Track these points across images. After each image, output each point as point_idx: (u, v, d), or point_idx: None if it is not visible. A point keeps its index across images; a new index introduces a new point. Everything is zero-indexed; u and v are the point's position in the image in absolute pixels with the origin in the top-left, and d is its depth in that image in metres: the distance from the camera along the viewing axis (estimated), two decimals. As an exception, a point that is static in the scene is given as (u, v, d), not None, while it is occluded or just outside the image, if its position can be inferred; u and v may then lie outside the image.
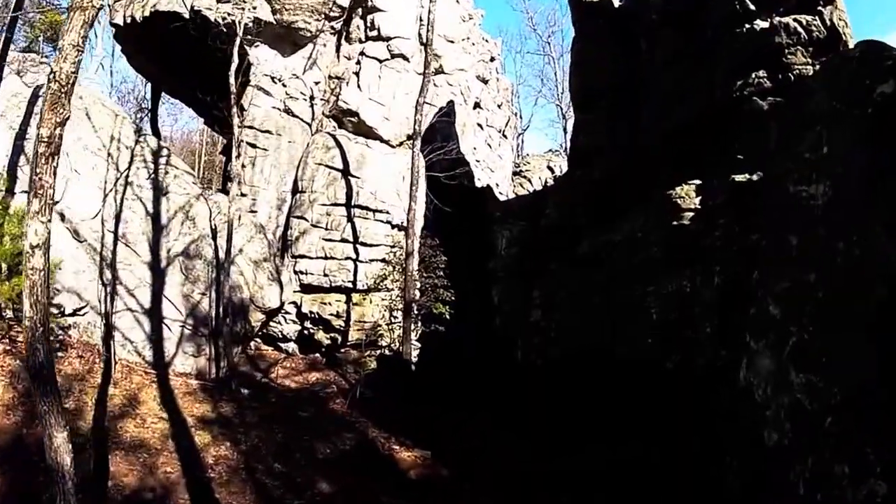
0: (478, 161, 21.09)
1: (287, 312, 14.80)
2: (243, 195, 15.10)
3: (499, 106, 24.68)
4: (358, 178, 14.39)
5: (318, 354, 15.21)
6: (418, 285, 14.43)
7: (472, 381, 13.59)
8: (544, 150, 27.35)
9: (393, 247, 14.37)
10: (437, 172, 17.52)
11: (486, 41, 22.56)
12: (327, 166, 14.51)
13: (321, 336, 14.58)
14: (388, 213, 14.57)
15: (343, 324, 14.12)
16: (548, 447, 10.59)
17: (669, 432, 8.83)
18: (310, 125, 16.45)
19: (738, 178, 10.24)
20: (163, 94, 24.82)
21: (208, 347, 11.82)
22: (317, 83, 17.15)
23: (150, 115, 24.90)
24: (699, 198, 10.58)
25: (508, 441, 11.23)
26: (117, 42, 19.46)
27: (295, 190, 15.06)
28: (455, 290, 14.80)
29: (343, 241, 14.04)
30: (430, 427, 11.39)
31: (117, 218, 11.94)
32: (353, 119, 16.78)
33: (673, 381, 10.42)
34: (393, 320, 14.55)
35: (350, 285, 13.96)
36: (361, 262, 14.07)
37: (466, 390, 13.13)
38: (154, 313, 11.63)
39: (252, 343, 15.04)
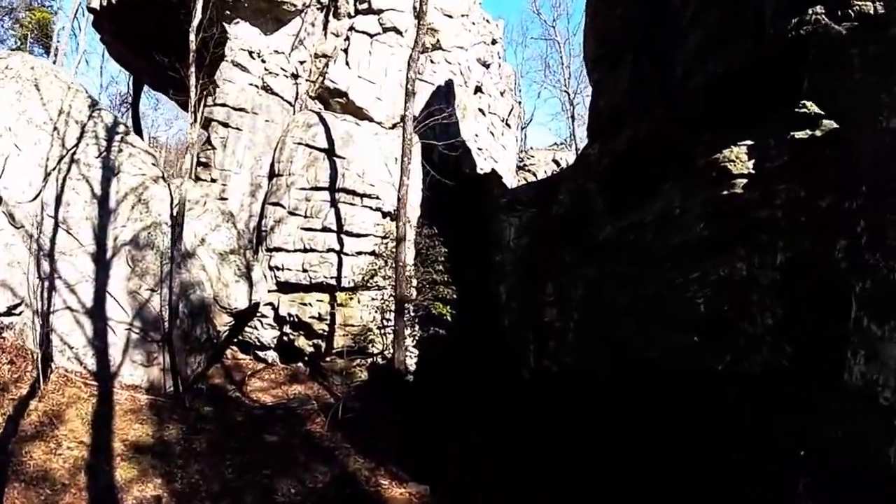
0: (480, 149, 19.57)
1: (263, 316, 13.13)
2: (213, 181, 13.51)
3: (501, 93, 23.27)
4: (343, 158, 12.79)
5: (300, 364, 13.54)
6: (414, 282, 12.73)
7: (473, 382, 11.79)
8: (548, 144, 25.84)
9: (384, 238, 12.72)
10: (436, 158, 15.95)
11: (488, 22, 21.20)
12: (308, 146, 12.93)
13: (302, 343, 12.88)
14: (377, 198, 12.95)
15: (326, 328, 12.44)
16: (549, 443, 10.06)
17: (674, 429, 8.48)
18: (291, 105, 14.89)
19: (800, 134, 8.58)
20: (147, 89, 23.57)
21: (161, 355, 10.11)
22: (302, 62, 15.65)
23: (131, 108, 23.69)
24: (752, 161, 8.91)
25: (508, 437, 10.43)
26: (96, 30, 18.71)
27: (272, 174, 13.47)
28: (457, 287, 13.09)
29: (325, 230, 12.40)
30: (429, 448, 9.57)
31: (58, 200, 10.33)
32: (341, 100, 15.28)
33: (717, 385, 8.82)
34: (385, 323, 12.85)
35: (333, 282, 12.29)
36: (347, 254, 12.42)
37: (467, 391, 11.35)
38: (97, 313, 9.97)
39: (228, 352, 13.35)
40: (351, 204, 12.75)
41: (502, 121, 22.56)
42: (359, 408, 11.86)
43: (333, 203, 12.58)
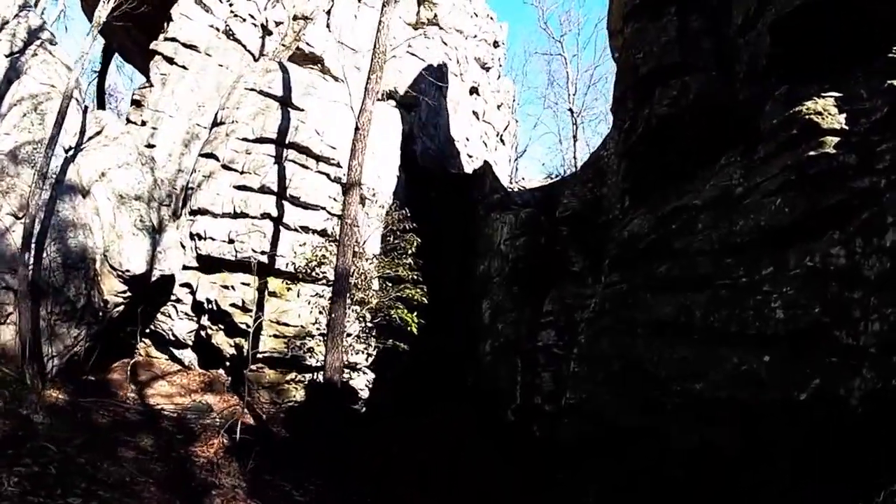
0: (470, 156, 17.66)
1: (178, 301, 10.52)
2: (143, 123, 11.14)
3: (498, 107, 21.76)
4: (301, 109, 10.63)
5: (221, 371, 10.83)
6: (376, 284, 10.26)
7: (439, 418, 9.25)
8: (542, 177, 24.34)
9: (341, 217, 10.29)
10: (419, 150, 13.92)
11: (491, 19, 19.86)
12: (261, 92, 10.78)
13: (221, 340, 10.23)
14: (337, 164, 10.72)
15: (251, 323, 9.79)
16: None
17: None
18: (255, 58, 12.81)
19: (901, 79, 6.76)
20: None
21: (18, 312, 7.41)
22: (278, 24, 13.73)
23: (97, 77, 21.95)
24: (843, 115, 7.03)
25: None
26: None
27: (214, 125, 11.12)
28: (430, 303, 10.67)
29: (263, 190, 10.04)
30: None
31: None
32: (314, 67, 13.29)
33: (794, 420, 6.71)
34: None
35: (265, 260, 9.78)
36: (288, 227, 10.02)
37: (431, 428, 8.80)
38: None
39: (141, 346, 10.80)
40: (302, 165, 10.46)
41: (497, 134, 20.91)
42: (282, 437, 9.13)
43: (279, 160, 10.23)
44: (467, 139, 18.59)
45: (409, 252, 10.17)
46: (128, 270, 9.29)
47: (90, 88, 23.16)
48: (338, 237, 10.14)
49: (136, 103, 12.93)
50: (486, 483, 9.15)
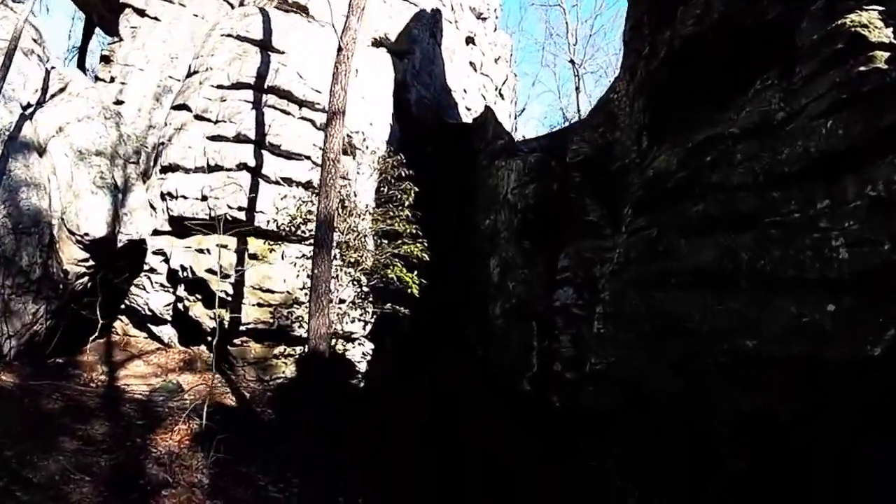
0: (468, 109, 16.52)
1: (152, 270, 9.54)
2: (111, 80, 10.02)
3: (496, 60, 20.49)
4: (281, 52, 9.55)
5: (203, 347, 9.95)
6: (370, 234, 9.23)
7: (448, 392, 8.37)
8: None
9: (330, 168, 9.21)
10: (413, 99, 12.77)
11: (487, -37, 18.48)
12: (238, 37, 9.61)
13: (200, 312, 9.27)
14: (322, 110, 9.61)
15: (231, 291, 8.78)
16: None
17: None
18: (232, 5, 11.55)
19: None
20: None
21: None
22: None
23: (78, 54, 20.91)
24: (890, 29, 6.13)
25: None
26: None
27: (188, 76, 9.97)
28: (437, 265, 9.68)
29: (239, 139, 8.95)
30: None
31: None
32: (300, 14, 12.01)
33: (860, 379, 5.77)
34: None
35: (242, 217, 8.73)
36: (268, 180, 9.01)
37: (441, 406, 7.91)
38: None
39: (118, 324, 10.24)
40: (283, 111, 9.36)
41: (496, 88, 19.70)
42: (267, 419, 8.21)
43: (257, 106, 9.09)
44: (465, 91, 17.45)
45: (407, 203, 9.11)
46: (87, 234, 8.25)
47: (71, 64, 22.23)
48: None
49: (106, 59, 12.13)
50: (495, 444, 8.27)
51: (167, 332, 10.38)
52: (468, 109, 16.85)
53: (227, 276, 8.78)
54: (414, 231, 9.04)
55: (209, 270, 9.04)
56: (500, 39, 21.93)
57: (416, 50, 13.87)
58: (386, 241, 9.31)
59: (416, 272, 8.98)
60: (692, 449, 7.55)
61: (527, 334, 9.78)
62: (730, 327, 6.84)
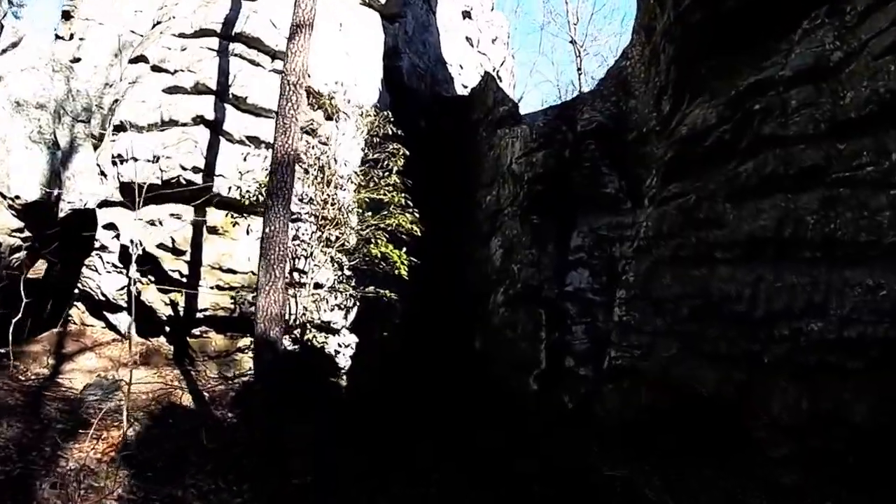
0: (465, 86, 15.38)
1: (103, 248, 8.31)
2: (71, 37, 8.79)
3: (493, 41, 19.39)
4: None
5: (163, 339, 8.65)
6: (354, 209, 8.02)
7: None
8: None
9: (307, 129, 8.00)
10: (405, 68, 11.60)
11: (484, -67, 17.39)
12: (204, -17, 8.27)
13: (153, 297, 8.08)
14: (300, 61, 8.28)
15: (186, 270, 7.52)
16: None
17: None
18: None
19: None
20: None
21: None
22: None
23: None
24: None
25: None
26: None
27: (151, 29, 8.74)
28: (431, 251, 8.50)
29: (198, 89, 7.72)
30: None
31: None
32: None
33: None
34: (300, 277, 8.06)
35: (198, 180, 7.46)
36: (230, 138, 7.79)
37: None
38: None
39: (75, 313, 9.07)
40: (252, 62, 8.17)
41: (494, 69, 18.55)
42: (227, 425, 6.96)
43: (222, 53, 7.83)
44: (461, 67, 16.36)
45: (395, 169, 7.87)
46: (18, 196, 7.02)
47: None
48: (311, 163, 7.85)
49: (66, 15, 11.21)
50: (495, 452, 7.02)
51: (124, 322, 9.10)
52: (465, 87, 15.68)
53: (180, 253, 7.50)
54: (402, 200, 7.81)
55: (161, 246, 7.76)
56: (496, 19, 20.87)
57: (409, 14, 12.73)
58: (370, 214, 8.08)
59: (404, 250, 7.74)
60: (737, 457, 6.41)
61: (534, 324, 8.59)
62: (789, 308, 5.75)
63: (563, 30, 25.13)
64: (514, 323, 8.89)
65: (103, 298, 8.88)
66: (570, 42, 22.82)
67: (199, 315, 7.99)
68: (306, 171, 8.11)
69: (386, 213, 7.84)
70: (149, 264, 7.94)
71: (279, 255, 5.90)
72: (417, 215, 7.88)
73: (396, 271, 7.81)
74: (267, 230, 5.79)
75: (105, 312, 9.09)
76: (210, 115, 7.73)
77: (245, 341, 8.46)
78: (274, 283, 5.72)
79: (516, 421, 8.57)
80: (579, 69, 21.87)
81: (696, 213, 6.70)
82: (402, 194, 7.92)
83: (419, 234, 7.86)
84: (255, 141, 7.94)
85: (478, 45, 18.08)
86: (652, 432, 7.09)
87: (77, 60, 9.94)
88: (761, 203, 6.11)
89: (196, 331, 8.39)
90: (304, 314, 7.93)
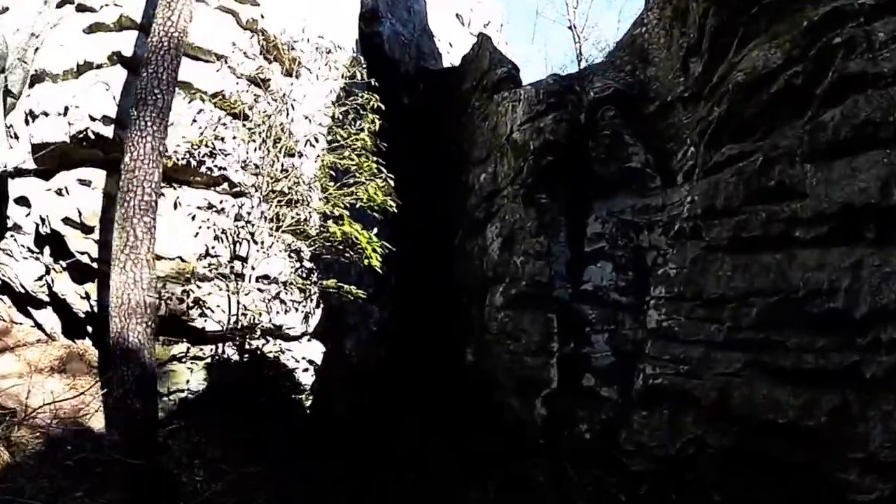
0: (453, 66, 13.83)
1: (17, 228, 6.71)
2: None
3: (485, 25, 18.04)
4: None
5: (89, 341, 7.34)
6: (317, 183, 6.38)
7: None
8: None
9: (250, 79, 6.37)
10: (386, 34, 10.09)
11: None
12: None
13: (66, 287, 6.59)
14: (252, 2, 6.71)
15: (96, 255, 5.86)
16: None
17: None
18: None
19: None
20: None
21: None
22: None
23: None
24: None
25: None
26: None
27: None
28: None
29: (121, 24, 6.13)
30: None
31: None
32: None
33: None
34: (243, 267, 6.38)
35: (108, 134, 5.78)
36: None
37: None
38: None
39: (2, 308, 7.56)
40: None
41: (486, 53, 17.11)
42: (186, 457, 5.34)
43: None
44: (450, 45, 14.88)
45: (366, 127, 6.24)
46: None
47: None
48: (262, 119, 6.22)
49: None
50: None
51: (49, 320, 7.40)
52: (453, 66, 14.17)
53: (89, 230, 5.82)
54: (375, 166, 6.18)
55: (67, 220, 6.08)
56: (486, 5, 19.53)
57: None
58: (333, 185, 6.43)
59: (375, 231, 6.11)
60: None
61: (543, 333, 7.01)
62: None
63: (560, 13, 23.53)
64: (516, 331, 7.26)
65: (22, 290, 7.22)
66: (569, 28, 21.48)
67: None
68: (251, 133, 6.46)
69: (354, 180, 6.20)
70: (58, 246, 6.26)
71: (144, 203, 4.23)
72: (393, 184, 6.26)
73: (366, 260, 6.18)
74: (128, 159, 4.11)
75: (28, 307, 7.41)
76: (129, 52, 6.07)
77: (180, 348, 6.83)
78: (134, 249, 4.05)
79: (516, 456, 6.93)
80: (579, 56, 20.44)
81: (764, 179, 5.18)
82: (375, 159, 6.31)
83: (395, 209, 6.24)
84: (187, 88, 6.30)
85: (469, 25, 16.70)
86: (701, 476, 5.49)
87: (5, 10, 8.35)
88: (856, 161, 4.60)
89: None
90: (245, 314, 6.24)
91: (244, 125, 6.60)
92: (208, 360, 6.98)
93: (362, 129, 6.38)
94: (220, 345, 6.95)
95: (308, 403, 7.92)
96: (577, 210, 7.25)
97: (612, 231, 7.02)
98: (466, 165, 9.13)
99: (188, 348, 6.89)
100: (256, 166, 6.68)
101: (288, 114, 6.94)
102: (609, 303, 6.74)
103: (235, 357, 6.88)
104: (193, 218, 6.25)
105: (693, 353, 5.49)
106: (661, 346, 5.85)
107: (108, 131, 5.93)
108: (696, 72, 6.95)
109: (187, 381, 6.84)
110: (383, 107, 6.58)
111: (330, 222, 6.01)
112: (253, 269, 6.42)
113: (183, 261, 6.21)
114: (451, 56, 14.73)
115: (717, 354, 5.31)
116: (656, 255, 6.73)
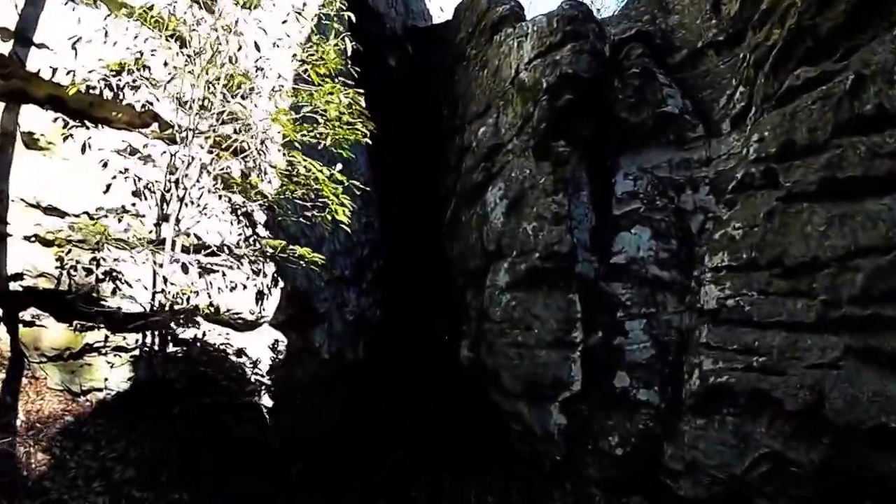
0: (448, 33, 12.65)
1: None
2: None
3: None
4: None
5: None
6: (278, 131, 5.05)
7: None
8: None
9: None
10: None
11: None
12: None
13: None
14: None
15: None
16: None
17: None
18: None
19: None
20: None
21: None
22: None
23: None
24: None
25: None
26: None
27: None
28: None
29: None
30: None
31: None
32: None
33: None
34: (175, 231, 5.00)
35: (4, 50, 4.40)
36: None
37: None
38: None
39: None
40: None
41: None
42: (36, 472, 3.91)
43: None
44: (441, 9, 13.61)
45: (339, 46, 4.90)
46: None
47: None
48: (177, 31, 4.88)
49: None
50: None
51: None
52: (448, 33, 12.97)
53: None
54: (348, 107, 4.82)
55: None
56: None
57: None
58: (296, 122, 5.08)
59: (339, 167, 4.78)
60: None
61: (562, 318, 5.67)
62: None
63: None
64: (526, 317, 5.91)
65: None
66: None
67: (15, 286, 4.88)
68: (191, 61, 5.11)
69: (324, 123, 4.82)
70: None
71: None
72: (371, 130, 4.88)
73: (331, 215, 4.83)
74: None
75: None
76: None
77: (97, 335, 5.41)
78: None
79: (526, 482, 5.57)
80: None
81: (858, 104, 3.89)
82: (345, 83, 4.96)
83: (369, 140, 4.87)
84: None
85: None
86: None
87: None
88: None
89: (25, 315, 5.29)
90: (174, 293, 4.87)
91: (182, 52, 5.27)
92: (136, 351, 5.61)
93: (331, 52, 5.00)
94: (145, 333, 5.57)
95: (265, 413, 6.54)
96: (600, 165, 5.95)
97: (648, 189, 5.72)
98: (461, 126, 7.76)
99: (106, 336, 5.50)
100: (200, 106, 5.34)
101: (239, 45, 5.61)
102: (647, 279, 5.44)
103: (169, 348, 5.51)
104: (105, 165, 4.89)
105: (772, 339, 4.17)
106: (723, 332, 4.52)
107: (6, 48, 4.54)
108: (733, 10, 5.71)
109: (105, 379, 5.47)
110: (354, 18, 5.23)
111: (298, 176, 4.59)
112: (187, 235, 5.06)
113: (92, 217, 4.85)
114: (443, 19, 13.50)
115: (807, 340, 3.99)
116: (703, 218, 5.43)
